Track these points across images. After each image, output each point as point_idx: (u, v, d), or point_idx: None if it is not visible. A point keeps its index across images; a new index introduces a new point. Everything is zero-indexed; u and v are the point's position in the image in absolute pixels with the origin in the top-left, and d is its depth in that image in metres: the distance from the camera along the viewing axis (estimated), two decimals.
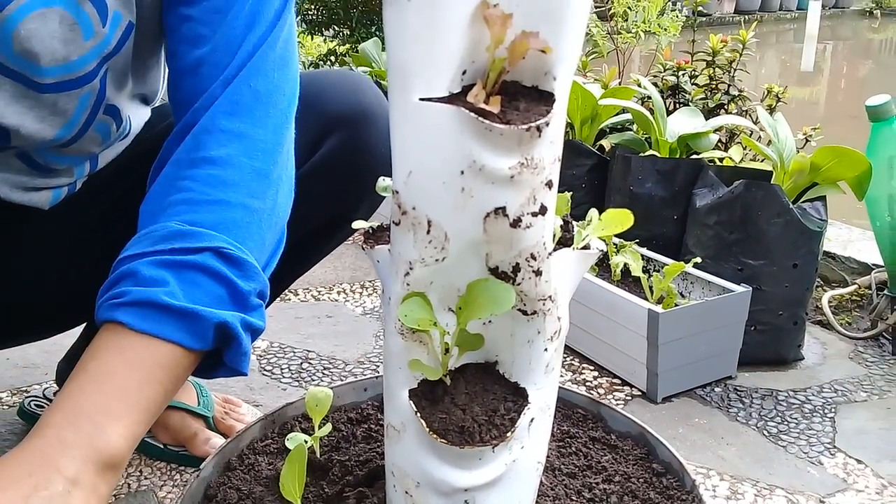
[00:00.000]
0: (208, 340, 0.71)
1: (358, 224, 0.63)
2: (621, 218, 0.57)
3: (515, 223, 0.53)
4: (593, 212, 0.60)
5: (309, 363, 1.50)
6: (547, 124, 0.51)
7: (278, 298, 1.78)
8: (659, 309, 1.37)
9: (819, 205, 1.54)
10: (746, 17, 11.42)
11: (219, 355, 0.75)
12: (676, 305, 1.46)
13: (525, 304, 0.57)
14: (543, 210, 0.54)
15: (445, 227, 0.53)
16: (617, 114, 1.96)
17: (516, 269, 0.55)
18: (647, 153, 1.76)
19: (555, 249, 0.58)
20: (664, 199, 1.71)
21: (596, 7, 3.12)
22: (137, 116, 0.97)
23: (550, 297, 0.57)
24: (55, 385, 1.29)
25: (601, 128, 1.98)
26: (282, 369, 1.48)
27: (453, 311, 0.57)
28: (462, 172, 0.51)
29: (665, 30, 2.48)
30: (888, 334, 1.70)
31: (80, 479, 0.60)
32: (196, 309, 0.70)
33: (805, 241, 1.49)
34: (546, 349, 0.58)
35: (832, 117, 6.53)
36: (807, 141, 2.01)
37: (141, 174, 0.93)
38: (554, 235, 0.60)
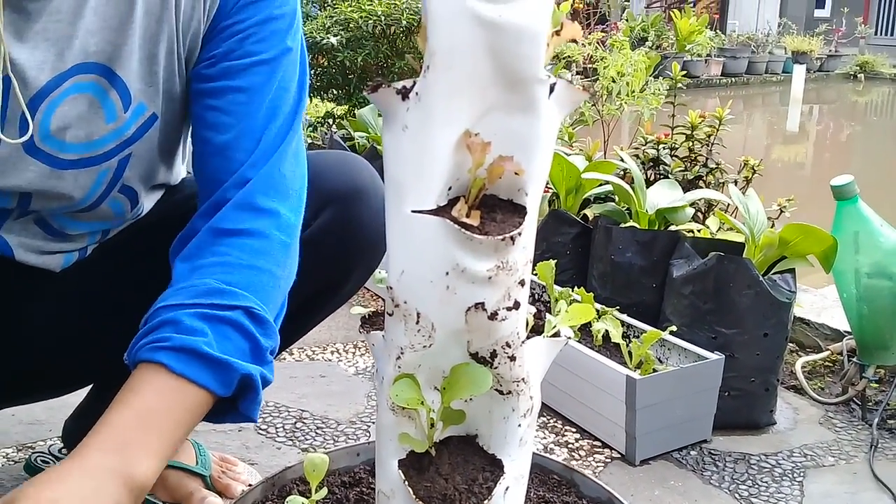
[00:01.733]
0: (231, 388, 0.81)
1: (357, 310, 0.71)
2: (584, 312, 0.66)
3: (493, 316, 0.61)
4: (562, 304, 0.69)
5: (303, 423, 1.57)
6: (520, 234, 0.60)
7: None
8: (636, 375, 1.45)
9: (788, 277, 1.63)
10: (733, 79, 11.72)
11: (230, 402, 0.84)
12: (654, 371, 1.54)
13: (501, 385, 0.65)
14: (517, 305, 0.62)
15: (432, 318, 0.62)
16: (600, 184, 2.07)
17: (494, 354, 0.63)
18: (628, 224, 1.86)
19: (528, 337, 0.66)
20: (643, 268, 1.80)
21: (582, 78, 3.26)
22: (152, 198, 1.06)
23: (524, 379, 0.65)
24: (60, 442, 1.35)
25: (585, 197, 2.08)
26: (276, 428, 1.54)
27: (439, 390, 0.65)
28: (447, 273, 0.60)
29: (647, 102, 2.61)
30: (858, 400, 1.77)
31: (121, 502, 0.69)
32: (229, 360, 0.79)
33: (775, 312, 1.58)
34: (520, 425, 0.66)
35: (817, 177, 6.70)
36: (781, 212, 2.11)
37: (148, 243, 1.01)
38: (527, 324, 0.68)
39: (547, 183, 2.21)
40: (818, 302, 2.26)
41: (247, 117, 0.89)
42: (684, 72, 2.34)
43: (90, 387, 1.27)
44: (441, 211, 0.60)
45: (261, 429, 1.54)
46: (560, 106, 0.62)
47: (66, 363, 1.11)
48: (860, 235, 1.66)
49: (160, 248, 1.06)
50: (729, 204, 2.08)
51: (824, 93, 12.30)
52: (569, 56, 3.02)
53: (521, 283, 0.62)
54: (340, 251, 1.09)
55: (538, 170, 0.62)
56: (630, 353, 1.59)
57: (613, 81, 2.59)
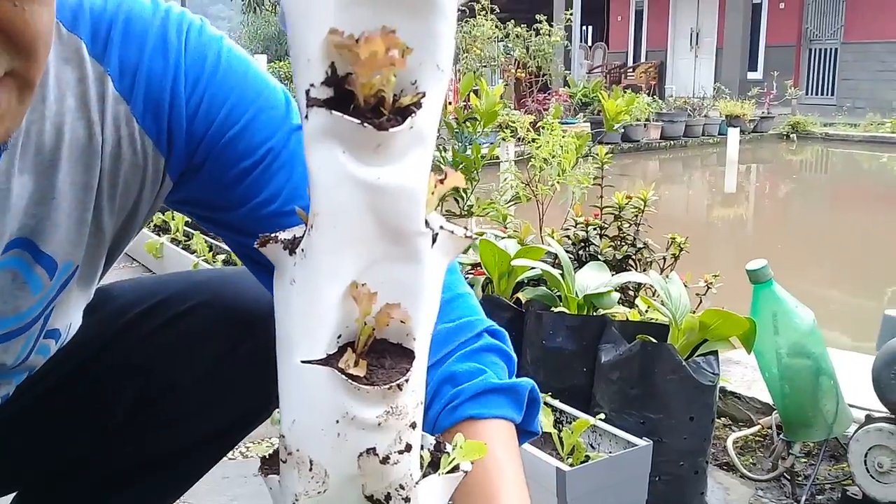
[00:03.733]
0: (523, 410, 0.82)
1: (259, 450, 0.72)
2: (478, 448, 0.68)
3: (385, 460, 0.63)
4: (459, 437, 0.71)
5: None
6: (407, 381, 0.62)
7: None
8: (566, 467, 1.47)
9: (712, 359, 1.68)
10: (672, 142, 12.10)
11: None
12: (587, 458, 1.55)
13: None
14: (409, 448, 0.64)
15: (325, 465, 0.63)
16: (532, 267, 2.11)
17: (388, 497, 0.65)
18: (558, 310, 1.90)
19: (425, 474, 0.68)
20: (574, 352, 1.83)
21: (516, 157, 3.35)
22: (76, 323, 1.03)
23: None
24: None
25: (519, 280, 2.12)
26: None
27: None
28: (337, 421, 0.61)
29: (578, 181, 2.69)
30: (787, 476, 1.81)
31: None
32: (513, 383, 0.81)
33: (699, 396, 1.62)
34: None
35: (755, 236, 6.93)
36: (708, 288, 2.18)
37: (71, 365, 1.01)
38: (423, 460, 0.70)
39: (481, 266, 2.25)
40: (748, 374, 2.31)
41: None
42: (612, 143, 2.42)
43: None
44: (330, 360, 0.62)
45: None
46: (444, 253, 0.64)
47: None
48: (777, 317, 1.72)
49: (90, 365, 1.05)
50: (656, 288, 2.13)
51: (759, 153, 12.77)
52: (502, 137, 3.11)
53: (413, 425, 0.64)
54: (265, 379, 1.07)
55: (425, 315, 0.64)
56: (562, 442, 1.61)
57: (546, 163, 2.67)
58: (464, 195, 3.09)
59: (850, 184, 10.74)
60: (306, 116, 0.58)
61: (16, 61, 0.59)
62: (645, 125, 11.46)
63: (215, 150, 0.82)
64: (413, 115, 0.58)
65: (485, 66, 11.55)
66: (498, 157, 4.15)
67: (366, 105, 0.58)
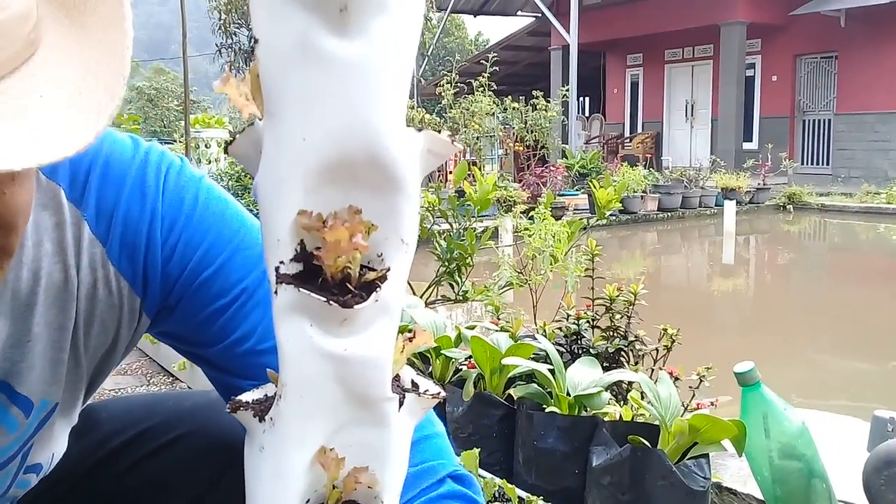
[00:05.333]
0: None
1: None
2: None
3: None
4: None
5: None
6: None
7: None
8: None
9: (703, 462, 1.67)
10: (669, 214, 12.20)
11: None
12: None
13: None
14: None
15: None
16: None
17: None
18: (549, 409, 1.90)
19: None
20: (565, 453, 1.82)
21: (514, 230, 3.38)
22: (59, 451, 1.03)
23: None
24: None
25: (511, 376, 2.12)
26: None
27: None
28: None
29: (570, 271, 2.71)
30: None
31: None
32: None
33: (690, 501, 1.61)
34: None
35: (756, 311, 6.92)
36: (701, 381, 2.18)
37: (55, 494, 1.00)
38: None
39: (471, 358, 2.26)
40: (744, 469, 2.28)
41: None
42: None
43: None
44: None
45: None
46: (411, 415, 0.66)
47: None
48: (767, 419, 1.72)
49: (73, 496, 1.04)
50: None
51: (756, 224, 12.84)
52: (498, 223, 3.15)
53: None
54: None
55: (392, 477, 0.65)
56: None
57: (538, 253, 2.70)
58: (459, 280, 3.12)
59: (848, 255, 10.76)
60: (276, 292, 0.60)
61: None
62: (642, 197, 11.57)
63: (189, 291, 0.83)
64: (378, 289, 0.60)
65: (483, 137, 11.75)
66: (494, 235, 4.22)
67: (333, 280, 0.61)
